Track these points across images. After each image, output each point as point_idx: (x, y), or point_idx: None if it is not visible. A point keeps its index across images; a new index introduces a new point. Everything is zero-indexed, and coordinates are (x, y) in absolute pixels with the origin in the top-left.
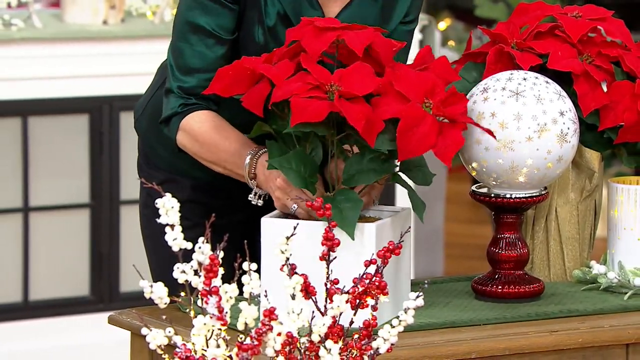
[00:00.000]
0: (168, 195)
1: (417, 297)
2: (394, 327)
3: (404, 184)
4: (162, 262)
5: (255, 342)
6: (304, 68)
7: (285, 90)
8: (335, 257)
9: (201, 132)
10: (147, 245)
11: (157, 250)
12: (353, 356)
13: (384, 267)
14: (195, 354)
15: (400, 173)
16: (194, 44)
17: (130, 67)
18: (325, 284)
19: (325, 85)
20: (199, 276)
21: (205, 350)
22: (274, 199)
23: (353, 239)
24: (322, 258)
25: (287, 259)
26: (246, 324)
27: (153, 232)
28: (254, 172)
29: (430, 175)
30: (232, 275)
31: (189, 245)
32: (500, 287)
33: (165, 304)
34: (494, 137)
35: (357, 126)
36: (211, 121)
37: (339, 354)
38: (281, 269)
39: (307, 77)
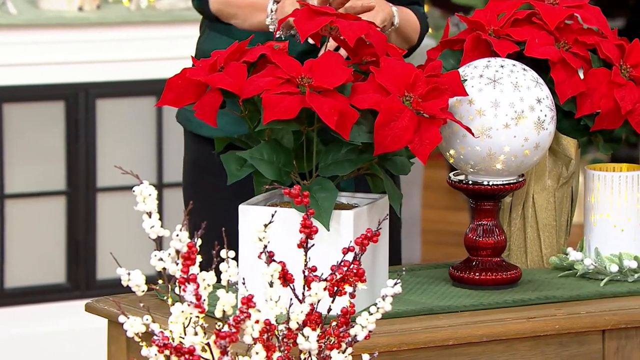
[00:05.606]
0: (145, 182)
1: (395, 284)
2: (371, 314)
3: (381, 175)
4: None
5: (233, 330)
6: (254, 64)
7: (255, 86)
8: (313, 245)
9: None
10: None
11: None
12: (331, 343)
13: (361, 255)
14: (173, 341)
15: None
16: None
17: (106, 54)
18: (303, 272)
19: (296, 78)
20: (177, 264)
21: (183, 338)
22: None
23: (328, 230)
24: (300, 245)
25: (265, 246)
26: (224, 311)
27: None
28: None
29: (408, 165)
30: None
31: (166, 233)
32: (477, 274)
33: (143, 291)
34: (473, 134)
35: (329, 123)
36: None
37: (317, 341)
38: (259, 257)
39: (276, 70)
